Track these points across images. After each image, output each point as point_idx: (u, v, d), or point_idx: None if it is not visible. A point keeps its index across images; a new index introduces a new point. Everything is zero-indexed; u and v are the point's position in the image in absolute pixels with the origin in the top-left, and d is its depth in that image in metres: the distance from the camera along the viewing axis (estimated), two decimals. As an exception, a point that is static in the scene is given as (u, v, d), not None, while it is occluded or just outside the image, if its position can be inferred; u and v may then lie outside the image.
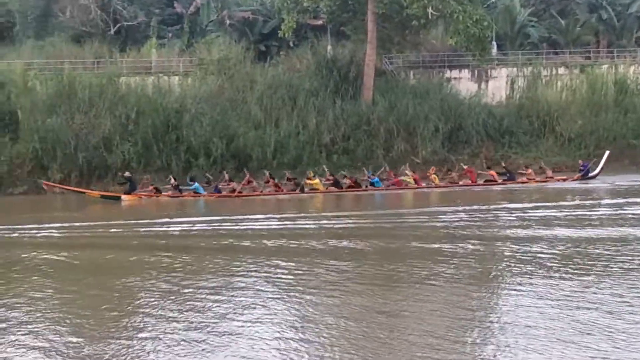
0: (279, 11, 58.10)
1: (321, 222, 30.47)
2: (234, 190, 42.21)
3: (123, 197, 41.56)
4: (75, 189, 43.42)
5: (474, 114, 51.04)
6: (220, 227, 28.94)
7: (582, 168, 45.20)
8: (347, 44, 56.00)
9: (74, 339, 13.83)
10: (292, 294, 16.77)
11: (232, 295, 16.73)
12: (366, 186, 43.57)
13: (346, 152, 48.95)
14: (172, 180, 42.58)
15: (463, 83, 55.64)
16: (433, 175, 44.37)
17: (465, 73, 56.43)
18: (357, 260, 20.79)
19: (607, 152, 46.55)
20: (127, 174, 43.42)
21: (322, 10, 55.36)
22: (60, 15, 60.90)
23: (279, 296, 16.59)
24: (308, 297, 16.46)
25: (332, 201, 40.21)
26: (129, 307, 16.25)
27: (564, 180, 44.46)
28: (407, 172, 44.68)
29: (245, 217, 32.00)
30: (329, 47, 55.71)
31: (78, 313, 15.78)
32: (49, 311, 16.09)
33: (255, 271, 19.41)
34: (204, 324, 14.60)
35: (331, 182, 43.53)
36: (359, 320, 14.61)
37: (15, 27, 60.50)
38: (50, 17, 61.74)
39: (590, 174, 44.69)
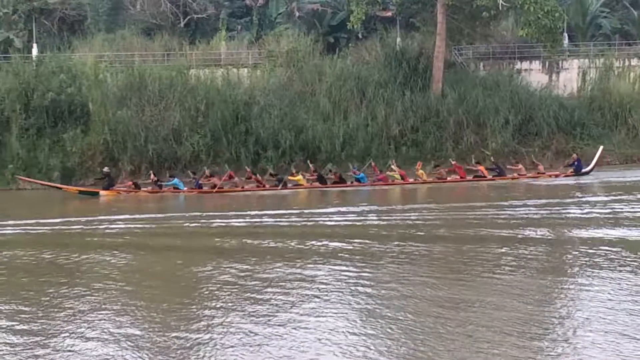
0: (348, 3, 58.31)
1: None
2: (214, 186, 42.13)
3: (101, 192, 41.75)
4: (52, 184, 43.73)
5: (544, 106, 50.63)
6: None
7: (575, 163, 44.38)
8: (416, 35, 55.93)
9: (139, 330, 14.12)
10: (353, 287, 16.79)
11: (292, 288, 16.81)
12: (352, 182, 43.10)
13: (415, 144, 48.97)
14: (152, 176, 42.79)
15: (534, 75, 55.17)
16: (420, 171, 43.66)
17: (536, 65, 55.97)
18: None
19: (601, 147, 46.13)
20: (105, 169, 43.68)
21: (392, 1, 55.51)
22: (131, 8, 61.89)
23: (340, 289, 16.66)
24: (368, 290, 16.54)
25: (320, 197, 39.65)
26: (192, 299, 16.48)
27: (556, 176, 43.75)
28: (393, 167, 44.08)
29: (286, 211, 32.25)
30: (398, 39, 55.74)
31: (142, 303, 16.11)
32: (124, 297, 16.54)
33: (317, 265, 19.47)
34: (264, 314, 14.70)
35: (315, 178, 43.14)
36: (421, 313, 14.54)
37: (86, 21, 61.58)
38: (120, 10, 62.74)
39: (584, 170, 43.94)
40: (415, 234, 24.16)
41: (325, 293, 16.09)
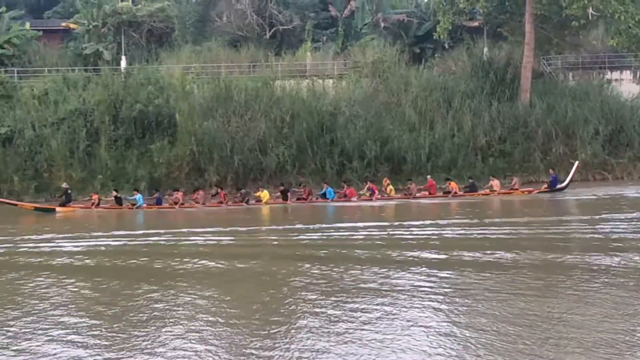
0: (434, 13, 58.72)
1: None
2: (176, 202, 41.97)
3: (57, 209, 41.75)
4: (7, 201, 43.63)
5: (636, 117, 50.18)
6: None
7: (551, 179, 43.72)
8: (503, 45, 55.95)
9: (236, 336, 14.41)
10: (444, 299, 16.73)
11: (384, 299, 16.81)
12: (317, 198, 42.80)
13: (502, 155, 48.94)
14: (114, 192, 42.92)
15: (625, 85, 54.69)
16: (389, 187, 43.41)
17: (627, 74, 55.48)
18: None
19: (577, 163, 45.20)
20: (64, 185, 43.91)
21: (479, 11, 55.68)
22: (217, 20, 63.12)
23: (422, 298, 16.66)
24: (460, 300, 16.51)
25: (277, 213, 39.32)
26: (281, 306, 16.75)
27: (530, 192, 43.05)
28: (369, 185, 43.47)
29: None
30: (485, 49, 55.77)
31: (236, 309, 16.45)
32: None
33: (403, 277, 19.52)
34: (360, 322, 14.71)
35: (279, 194, 43.03)
36: (514, 325, 14.31)
37: (174, 33, 62.94)
38: (207, 22, 64.02)
39: (558, 186, 43.05)
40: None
41: (406, 301, 16.15)
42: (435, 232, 27.54)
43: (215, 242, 27.40)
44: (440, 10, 53.71)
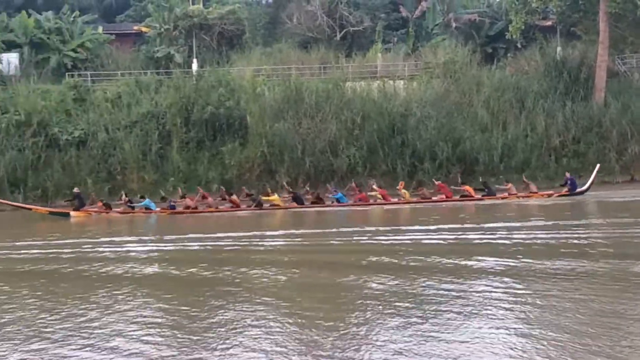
0: (506, 13, 58.35)
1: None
2: (188, 207, 41.54)
3: (72, 213, 41.60)
4: (22, 205, 44.14)
5: None
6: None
7: (568, 182, 42.55)
8: (577, 44, 55.28)
9: (311, 335, 14.42)
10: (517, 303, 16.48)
11: (455, 299, 16.67)
12: (332, 202, 42.06)
13: (576, 155, 48.44)
14: (124, 196, 42.61)
15: (702, 83, 53.69)
16: (403, 190, 42.48)
17: None
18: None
19: (598, 166, 44.07)
20: (75, 189, 43.79)
21: (552, 10, 55.24)
22: (288, 22, 63.49)
23: (495, 305, 16.37)
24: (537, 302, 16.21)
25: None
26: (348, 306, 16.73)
27: (549, 195, 41.86)
28: (374, 187, 42.82)
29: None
30: (559, 48, 55.20)
31: (305, 310, 16.46)
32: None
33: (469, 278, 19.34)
34: (432, 324, 14.45)
35: (291, 197, 42.26)
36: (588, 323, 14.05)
37: (244, 35, 63.39)
38: (278, 24, 64.46)
39: (579, 189, 41.99)
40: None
41: (482, 308, 15.93)
42: (504, 234, 27.14)
43: (286, 245, 27.29)
44: (513, 9, 53.45)
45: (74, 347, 13.59)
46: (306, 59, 57.18)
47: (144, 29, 66.65)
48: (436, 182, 43.12)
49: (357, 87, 51.33)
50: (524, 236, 25.89)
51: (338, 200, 41.70)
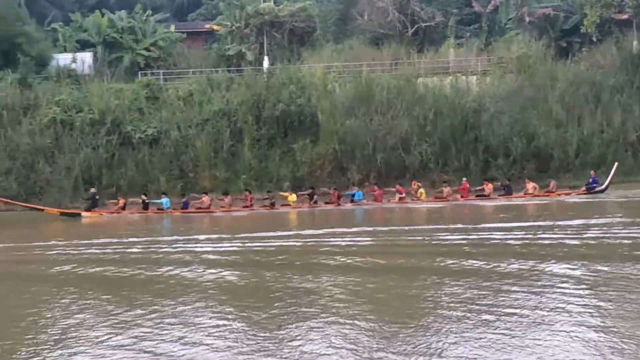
0: (581, 6, 57.53)
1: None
2: (200, 207, 42.29)
3: (83, 214, 42.32)
4: (33, 206, 44.68)
5: None
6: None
7: (591, 180, 42.67)
8: (655, 37, 54.39)
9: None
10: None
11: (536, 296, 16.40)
12: (352, 200, 42.70)
13: (655, 150, 47.75)
14: (143, 197, 43.70)
15: None
16: (420, 190, 42.96)
17: None
18: None
19: (616, 164, 43.58)
20: (92, 190, 44.59)
21: (628, 3, 54.20)
22: (359, 18, 63.43)
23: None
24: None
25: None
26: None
27: (567, 194, 41.99)
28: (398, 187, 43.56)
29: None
30: (635, 42, 54.24)
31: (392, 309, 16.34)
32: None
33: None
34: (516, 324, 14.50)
35: (308, 195, 43.00)
36: None
37: (315, 32, 63.49)
38: (348, 20, 64.45)
39: (597, 188, 42.02)
40: None
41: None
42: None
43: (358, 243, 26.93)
44: (588, 3, 52.87)
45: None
46: (377, 55, 57.06)
47: (215, 27, 67.17)
48: (463, 180, 43.86)
49: (429, 83, 51.05)
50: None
51: (353, 200, 42.40)
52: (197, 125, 49.01)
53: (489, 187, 42.68)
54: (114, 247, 26.72)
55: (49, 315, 15.98)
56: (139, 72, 57.11)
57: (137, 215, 42.32)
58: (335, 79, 52.04)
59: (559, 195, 41.91)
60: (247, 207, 42.43)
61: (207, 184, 47.17)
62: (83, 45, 60.90)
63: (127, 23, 62.48)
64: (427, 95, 49.69)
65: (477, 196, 42.36)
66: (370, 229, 30.17)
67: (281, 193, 43.61)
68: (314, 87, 50.47)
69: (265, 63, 58.20)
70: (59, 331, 14.48)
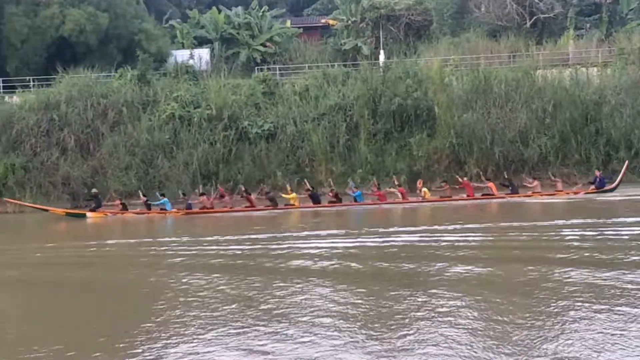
0: None
1: None
2: (204, 207, 42.21)
3: (88, 214, 42.85)
4: (39, 206, 45.26)
5: None
6: None
7: (597, 179, 41.72)
8: None
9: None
10: None
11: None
12: (355, 199, 42.20)
13: None
14: (142, 196, 43.95)
15: None
16: (424, 189, 42.47)
17: None
18: None
19: (626, 162, 42.52)
20: (93, 190, 45.25)
21: None
22: (476, 11, 62.99)
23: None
24: None
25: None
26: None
27: (576, 193, 41.29)
28: (395, 183, 43.37)
29: None
30: None
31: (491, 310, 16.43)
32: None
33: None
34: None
35: (308, 196, 42.68)
36: None
37: (431, 25, 63.44)
38: (465, 13, 64.03)
39: (607, 187, 41.20)
40: None
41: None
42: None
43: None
44: None
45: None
46: (495, 48, 56.60)
47: (331, 22, 67.75)
48: (460, 179, 43.56)
49: (547, 75, 50.34)
50: None
51: (355, 199, 42.14)
52: (313, 120, 49.46)
53: (490, 186, 42.26)
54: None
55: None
56: (256, 68, 58.03)
57: (143, 216, 43.01)
58: (452, 72, 51.77)
59: (567, 193, 41.45)
60: (249, 207, 42.33)
61: (323, 179, 47.62)
62: (200, 42, 62.21)
63: (244, 19, 63.47)
64: (546, 88, 49.06)
65: (483, 195, 41.95)
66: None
67: (282, 194, 43.37)
68: (431, 81, 50.32)
69: (382, 57, 58.36)
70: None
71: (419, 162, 47.67)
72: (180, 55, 58.86)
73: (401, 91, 49.28)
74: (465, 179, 43.79)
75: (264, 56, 61.63)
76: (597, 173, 42.99)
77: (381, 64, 55.51)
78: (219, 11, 64.30)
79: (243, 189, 43.80)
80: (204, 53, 59.71)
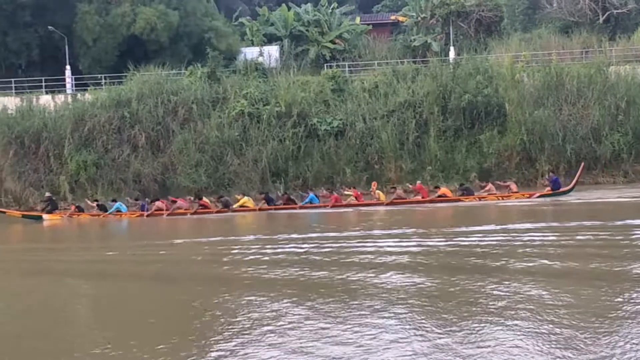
0: None
1: None
2: (160, 209, 42.53)
3: (44, 216, 43.82)
4: None
5: None
6: None
7: (550, 181, 41.40)
8: None
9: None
10: None
11: None
12: (311, 202, 42.08)
13: None
14: (91, 202, 45.40)
15: None
16: (377, 192, 42.38)
17: None
18: None
19: (582, 165, 41.79)
20: (47, 194, 46.11)
21: None
22: (548, 6, 62.48)
23: None
24: None
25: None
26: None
27: (530, 195, 40.39)
28: (346, 188, 43.74)
29: None
30: None
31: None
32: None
33: None
34: None
35: (262, 199, 42.85)
36: None
37: (502, 21, 63.12)
38: (537, 9, 63.54)
39: (562, 189, 40.53)
40: None
41: None
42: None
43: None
44: None
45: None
46: (567, 44, 56.08)
47: (400, 18, 67.79)
48: (410, 185, 43.85)
49: (621, 71, 49.81)
50: None
51: (311, 202, 42.01)
52: (383, 117, 49.59)
53: (444, 192, 41.80)
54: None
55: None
56: (325, 65, 58.30)
57: (99, 218, 43.83)
58: (523, 68, 51.45)
59: (523, 195, 40.83)
60: (204, 210, 42.55)
61: (393, 176, 47.82)
62: (270, 39, 62.62)
63: (313, 16, 63.73)
64: (619, 84, 48.54)
65: (438, 197, 41.37)
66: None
67: (235, 196, 43.77)
68: (501, 77, 50.12)
69: (452, 53, 58.27)
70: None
71: (489, 159, 47.65)
72: (250, 52, 59.36)
73: (471, 88, 49.19)
74: (419, 182, 43.89)
75: (333, 53, 61.82)
76: (551, 174, 43.11)
77: (451, 61, 55.45)
78: (289, 8, 64.67)
79: (195, 196, 44.35)
80: (273, 50, 60.13)
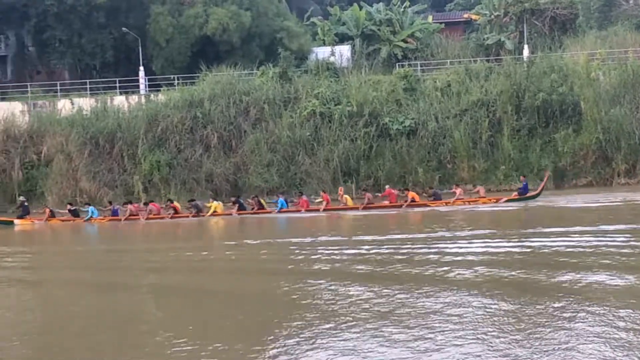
0: None
1: None
2: (132, 213, 42.70)
3: (16, 221, 44.09)
4: None
5: None
6: None
7: (522, 186, 41.67)
8: None
9: None
10: None
11: None
12: (281, 208, 42.01)
13: None
14: (68, 205, 45.39)
15: None
16: (345, 196, 42.24)
17: None
18: None
19: (548, 173, 42.55)
20: (21, 198, 46.44)
21: None
22: (624, 3, 61.83)
23: None
24: None
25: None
26: None
27: (497, 200, 40.39)
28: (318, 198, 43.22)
29: None
30: None
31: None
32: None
33: None
34: None
35: (234, 204, 42.60)
36: None
37: (577, 19, 62.41)
38: (613, 6, 62.88)
39: (529, 194, 40.47)
40: None
41: None
42: None
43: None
44: None
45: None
46: (643, 42, 55.41)
47: (473, 17, 67.38)
48: (386, 187, 43.64)
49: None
50: None
51: (281, 207, 42.00)
52: (455, 116, 49.39)
53: (412, 195, 41.24)
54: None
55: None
56: (397, 64, 58.22)
57: (69, 222, 44.19)
58: (599, 66, 50.89)
59: (490, 200, 40.47)
60: (175, 214, 42.77)
61: (466, 176, 47.63)
62: (341, 39, 62.74)
63: (385, 15, 63.62)
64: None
65: (405, 201, 40.85)
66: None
67: (205, 204, 43.45)
68: (577, 76, 49.67)
69: (526, 52, 57.71)
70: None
71: (564, 158, 47.23)
72: (322, 52, 59.54)
73: (546, 86, 48.77)
74: (387, 187, 43.54)
75: (405, 52, 61.63)
76: (522, 178, 42.91)
77: (525, 59, 54.94)
78: (360, 8, 64.69)
79: (168, 200, 44.73)
80: (344, 50, 60.23)
